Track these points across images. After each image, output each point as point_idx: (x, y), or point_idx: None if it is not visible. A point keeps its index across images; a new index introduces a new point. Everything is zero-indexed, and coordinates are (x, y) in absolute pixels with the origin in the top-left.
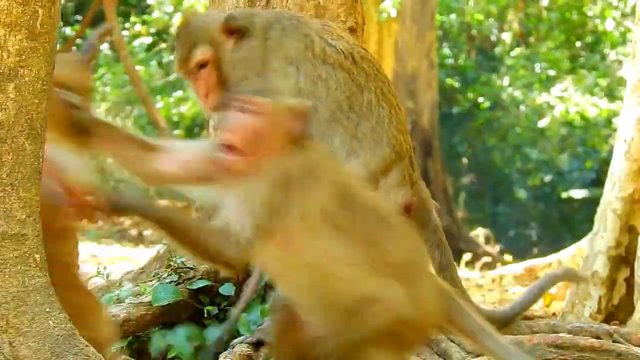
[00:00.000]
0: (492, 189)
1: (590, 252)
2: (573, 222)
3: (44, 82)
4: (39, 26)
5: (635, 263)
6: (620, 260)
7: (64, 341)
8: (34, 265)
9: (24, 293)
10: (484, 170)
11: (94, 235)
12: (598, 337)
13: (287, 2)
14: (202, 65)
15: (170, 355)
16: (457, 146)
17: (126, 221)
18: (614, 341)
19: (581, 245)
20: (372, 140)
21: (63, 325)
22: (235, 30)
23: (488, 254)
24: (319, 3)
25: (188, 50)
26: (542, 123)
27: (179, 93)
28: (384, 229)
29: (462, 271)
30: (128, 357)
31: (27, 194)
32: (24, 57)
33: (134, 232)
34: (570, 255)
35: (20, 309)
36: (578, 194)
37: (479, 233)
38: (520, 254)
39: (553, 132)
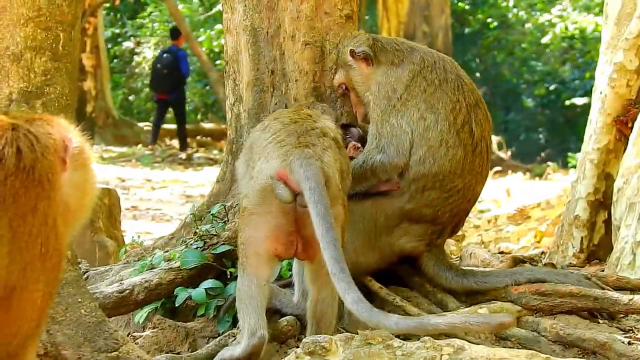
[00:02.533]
0: (503, 99)
1: (572, 197)
2: (576, 126)
3: (67, 98)
4: (61, 49)
5: (612, 207)
6: (599, 204)
7: (95, 327)
8: (67, 261)
9: (59, 286)
10: (495, 83)
11: (147, 160)
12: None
13: None
14: (341, 86)
15: (199, 314)
16: (470, 62)
17: (176, 145)
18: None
19: (567, 186)
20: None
21: (93, 314)
22: (371, 58)
23: (501, 159)
24: None
25: (333, 70)
26: (545, 39)
27: (220, 26)
28: None
29: None
30: (162, 317)
31: None
32: (48, 76)
33: (183, 156)
34: (557, 196)
35: (55, 300)
36: (580, 100)
37: (492, 140)
38: (531, 158)
39: (555, 46)
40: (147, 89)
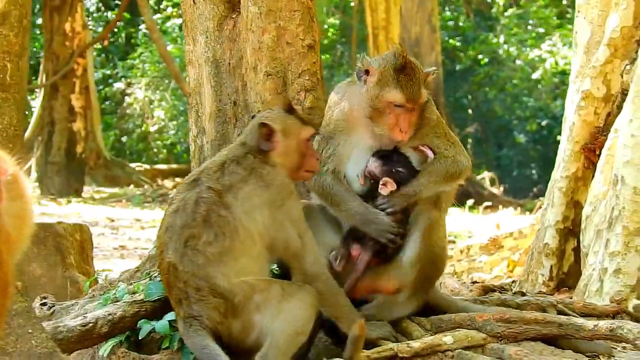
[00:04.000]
0: (495, 136)
1: (541, 225)
2: None
3: (16, 128)
4: (8, 79)
5: (581, 235)
6: (568, 232)
7: (46, 358)
8: (16, 292)
9: (9, 317)
10: (486, 119)
11: (138, 201)
12: (543, 310)
13: (251, 24)
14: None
15: (164, 346)
16: (461, 99)
17: (167, 184)
18: (558, 312)
19: (539, 215)
20: None
21: (44, 344)
22: None
23: (493, 195)
24: (280, 25)
25: (419, 86)
26: (535, 75)
27: None
28: None
29: (465, 214)
30: (126, 350)
31: None
32: None
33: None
34: (530, 225)
35: (6, 331)
36: None
37: (485, 176)
38: (524, 193)
39: (546, 82)
40: (139, 130)
